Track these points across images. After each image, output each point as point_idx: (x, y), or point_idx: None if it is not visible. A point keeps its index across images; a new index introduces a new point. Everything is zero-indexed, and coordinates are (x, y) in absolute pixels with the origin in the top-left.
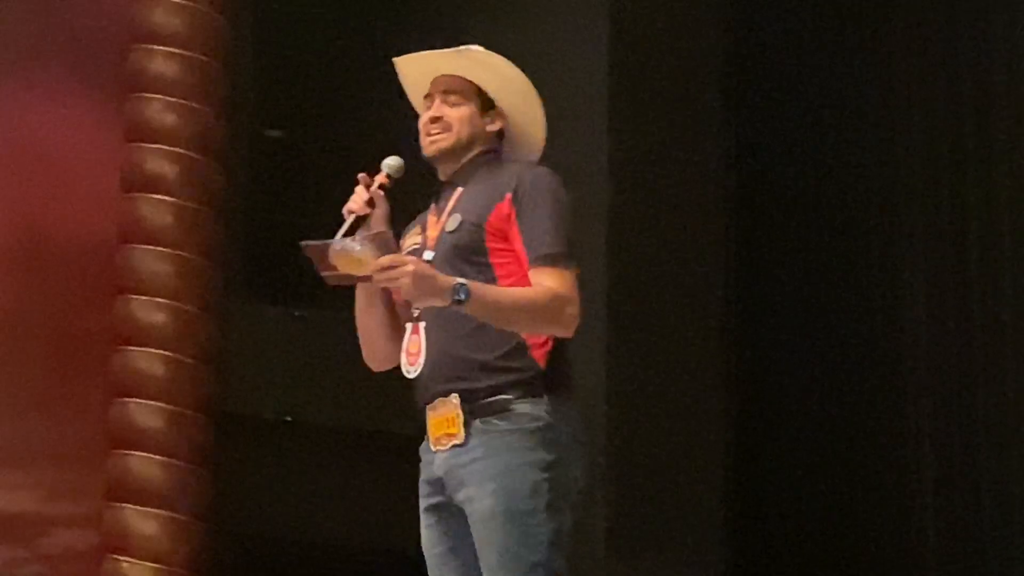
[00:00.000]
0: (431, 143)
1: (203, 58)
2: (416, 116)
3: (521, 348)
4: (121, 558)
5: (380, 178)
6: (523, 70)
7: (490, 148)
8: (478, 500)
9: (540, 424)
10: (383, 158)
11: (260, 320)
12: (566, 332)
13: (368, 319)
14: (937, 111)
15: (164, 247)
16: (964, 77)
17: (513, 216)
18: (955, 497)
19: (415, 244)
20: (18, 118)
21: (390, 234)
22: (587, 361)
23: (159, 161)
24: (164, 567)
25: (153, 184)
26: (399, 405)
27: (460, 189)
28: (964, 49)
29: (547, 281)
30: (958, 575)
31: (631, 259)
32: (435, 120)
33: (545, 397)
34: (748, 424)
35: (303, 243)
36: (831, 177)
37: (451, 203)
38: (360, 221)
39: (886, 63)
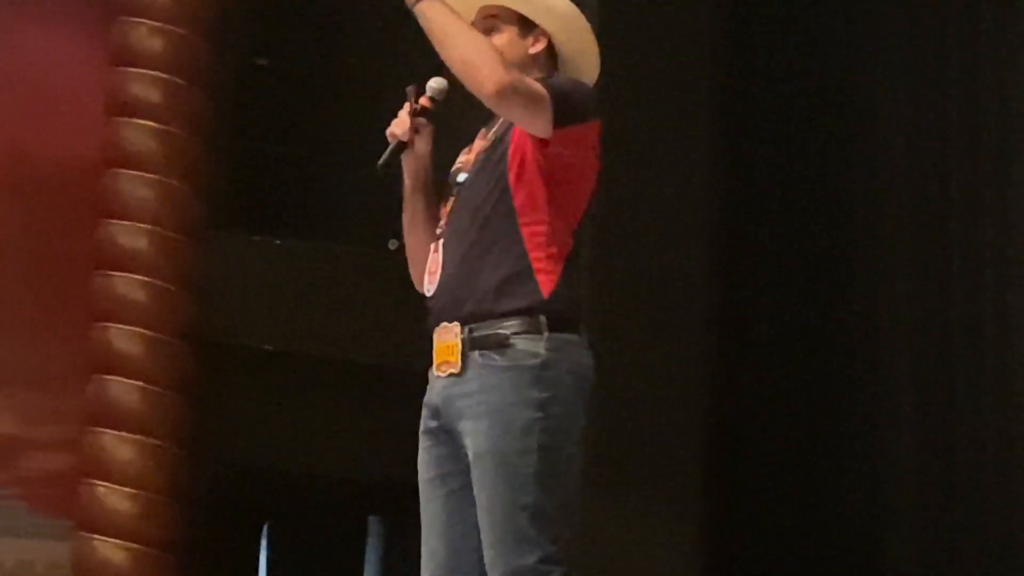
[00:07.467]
0: None
1: None
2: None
3: (527, 273)
4: (98, 483)
5: (423, 100)
6: None
7: (539, 75)
8: (472, 436)
9: (538, 361)
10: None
11: (242, 248)
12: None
13: (412, 239)
14: (923, 110)
15: (148, 172)
16: (952, 61)
17: None
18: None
19: (459, 164)
20: (2, 41)
21: None
22: None
23: (144, 86)
24: (141, 492)
25: (138, 109)
26: (379, 336)
27: None
28: (953, 34)
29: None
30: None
31: (617, 191)
32: None
33: (546, 334)
34: (731, 361)
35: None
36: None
37: (495, 127)
38: (403, 147)
39: (876, 49)
